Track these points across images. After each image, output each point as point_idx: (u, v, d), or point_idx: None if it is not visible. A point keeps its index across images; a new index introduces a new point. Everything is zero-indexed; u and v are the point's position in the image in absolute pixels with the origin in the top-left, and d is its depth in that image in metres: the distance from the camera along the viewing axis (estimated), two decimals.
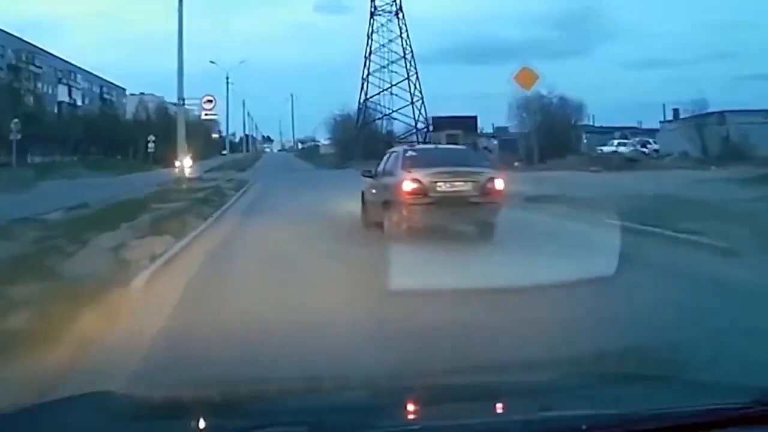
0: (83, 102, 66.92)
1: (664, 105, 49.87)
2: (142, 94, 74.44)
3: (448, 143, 43.95)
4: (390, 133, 61.26)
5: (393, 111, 61.46)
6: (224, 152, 72.52)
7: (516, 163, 31.91)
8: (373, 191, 10.89)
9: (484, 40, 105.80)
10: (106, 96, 72.35)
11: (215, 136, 75.14)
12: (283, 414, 2.01)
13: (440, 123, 53.08)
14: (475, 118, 55.49)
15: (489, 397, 2.23)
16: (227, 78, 50.65)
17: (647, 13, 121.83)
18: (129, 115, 70.10)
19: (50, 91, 61.63)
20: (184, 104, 25.57)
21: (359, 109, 62.34)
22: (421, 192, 9.39)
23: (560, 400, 2.10)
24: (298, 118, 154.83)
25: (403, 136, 60.59)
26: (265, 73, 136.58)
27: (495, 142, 53.90)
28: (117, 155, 60.81)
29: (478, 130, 58.10)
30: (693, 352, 4.09)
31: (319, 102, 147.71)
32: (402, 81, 60.53)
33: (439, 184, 9.45)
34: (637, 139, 41.23)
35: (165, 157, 51.51)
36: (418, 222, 9.65)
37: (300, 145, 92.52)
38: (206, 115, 27.89)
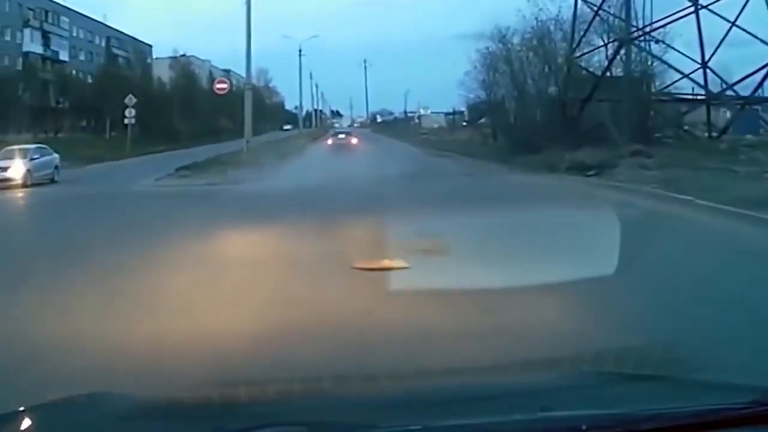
0: (71, 57, 48.76)
1: None
2: (183, 55, 56.08)
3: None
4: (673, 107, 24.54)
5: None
6: (286, 127, 67.17)
7: None
8: (336, 135, 46.17)
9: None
10: (116, 51, 53.31)
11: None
12: (283, 414, 2.01)
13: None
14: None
15: (489, 397, 2.23)
16: (300, 51, 54.00)
17: None
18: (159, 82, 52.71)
19: (8, 37, 43.73)
20: None
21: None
22: (331, 137, 46.83)
23: (560, 400, 2.09)
24: (370, 95, 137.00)
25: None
26: (334, 50, 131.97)
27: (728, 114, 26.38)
28: (109, 132, 42.92)
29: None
30: None
31: (394, 81, 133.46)
32: None
33: (339, 136, 44.44)
34: None
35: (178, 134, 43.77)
36: (336, 143, 41.99)
37: (379, 119, 76.38)
38: None
